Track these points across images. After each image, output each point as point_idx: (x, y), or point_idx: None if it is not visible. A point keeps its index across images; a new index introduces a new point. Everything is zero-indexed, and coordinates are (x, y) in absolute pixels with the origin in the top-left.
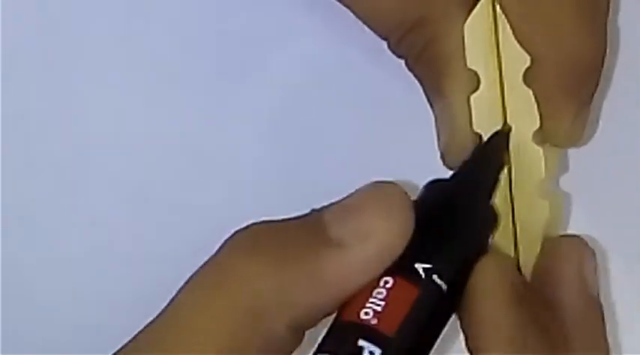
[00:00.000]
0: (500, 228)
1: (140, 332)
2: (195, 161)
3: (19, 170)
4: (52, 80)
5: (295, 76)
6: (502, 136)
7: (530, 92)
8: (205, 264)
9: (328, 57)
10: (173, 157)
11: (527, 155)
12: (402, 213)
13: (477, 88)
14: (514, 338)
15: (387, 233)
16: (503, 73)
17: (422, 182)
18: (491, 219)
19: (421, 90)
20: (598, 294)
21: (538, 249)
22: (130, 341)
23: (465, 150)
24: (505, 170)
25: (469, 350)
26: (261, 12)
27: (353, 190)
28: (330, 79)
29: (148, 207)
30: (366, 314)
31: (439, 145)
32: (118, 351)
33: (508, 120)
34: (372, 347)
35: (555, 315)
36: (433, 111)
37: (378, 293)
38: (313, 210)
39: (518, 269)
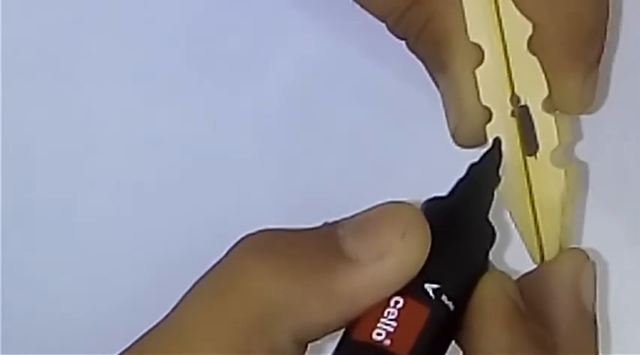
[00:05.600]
0: (518, 200)
1: (145, 334)
2: (195, 161)
3: (19, 170)
4: (53, 80)
5: (295, 75)
6: (495, 152)
7: (536, 60)
8: (213, 267)
9: (329, 55)
10: (173, 157)
11: (538, 124)
12: (420, 234)
13: (481, 61)
14: None
15: (405, 253)
16: (507, 43)
17: (422, 181)
18: (490, 236)
19: (423, 89)
20: (593, 307)
21: (559, 220)
22: (134, 343)
23: (475, 125)
24: (514, 146)
25: None
26: (260, 10)
27: (353, 189)
28: (331, 78)
29: (148, 207)
30: (379, 334)
31: (448, 124)
32: (123, 352)
33: (516, 91)
34: None
35: (548, 327)
36: (439, 89)
37: (390, 313)
38: (326, 223)
39: (543, 256)
